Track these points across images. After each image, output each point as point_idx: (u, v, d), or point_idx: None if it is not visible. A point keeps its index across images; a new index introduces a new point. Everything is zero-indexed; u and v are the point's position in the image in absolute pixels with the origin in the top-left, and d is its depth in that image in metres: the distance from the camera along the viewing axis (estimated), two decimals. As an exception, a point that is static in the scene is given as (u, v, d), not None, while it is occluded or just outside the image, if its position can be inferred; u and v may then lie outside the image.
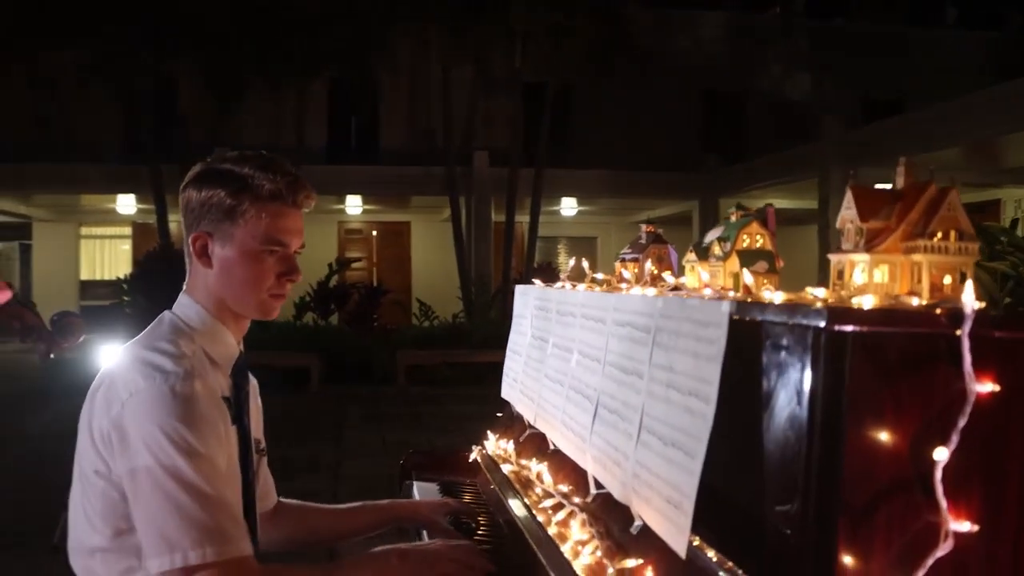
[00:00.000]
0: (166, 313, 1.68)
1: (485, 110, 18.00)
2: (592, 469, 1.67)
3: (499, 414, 2.76)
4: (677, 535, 1.24)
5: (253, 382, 1.86)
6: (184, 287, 1.70)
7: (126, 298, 13.77)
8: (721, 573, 1.17)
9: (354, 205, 19.72)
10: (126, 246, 21.20)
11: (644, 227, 2.50)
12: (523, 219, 17.35)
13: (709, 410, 1.20)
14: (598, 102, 19.89)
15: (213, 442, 1.50)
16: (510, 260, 16.27)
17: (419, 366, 12.43)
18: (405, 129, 20.42)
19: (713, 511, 1.23)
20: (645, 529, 1.39)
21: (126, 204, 17.96)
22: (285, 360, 11.95)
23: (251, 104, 17.21)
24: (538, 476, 1.98)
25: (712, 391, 1.20)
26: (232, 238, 1.62)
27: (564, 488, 1.84)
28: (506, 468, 2.20)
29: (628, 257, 2.41)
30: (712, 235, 1.97)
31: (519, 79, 16.59)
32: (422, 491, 2.48)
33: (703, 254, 1.94)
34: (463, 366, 12.26)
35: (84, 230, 21.29)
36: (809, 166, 14.52)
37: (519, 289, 2.68)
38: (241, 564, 1.46)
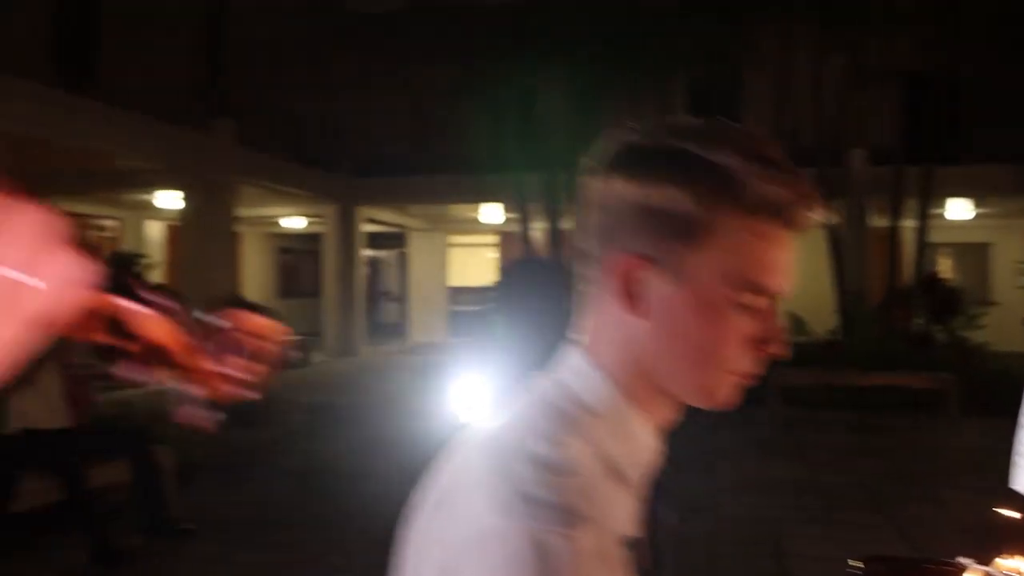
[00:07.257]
0: (546, 378, 0.90)
1: (860, 104, 16.26)
2: None
3: (999, 510, 1.77)
4: None
5: None
6: (583, 336, 0.91)
7: (493, 304, 13.86)
8: None
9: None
10: (492, 254, 22.03)
11: None
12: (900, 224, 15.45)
13: None
14: (992, 88, 17.27)
15: None
16: (896, 269, 14.41)
17: (793, 387, 11.23)
18: (769, 128, 19.14)
19: None
20: None
21: (491, 213, 18.48)
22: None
23: (608, 108, 16.94)
24: None
25: None
26: (686, 273, 0.85)
27: None
28: None
29: None
30: None
31: (898, 67, 14.74)
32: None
33: None
34: (842, 389, 10.89)
35: (452, 239, 22.43)
36: None
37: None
38: None
